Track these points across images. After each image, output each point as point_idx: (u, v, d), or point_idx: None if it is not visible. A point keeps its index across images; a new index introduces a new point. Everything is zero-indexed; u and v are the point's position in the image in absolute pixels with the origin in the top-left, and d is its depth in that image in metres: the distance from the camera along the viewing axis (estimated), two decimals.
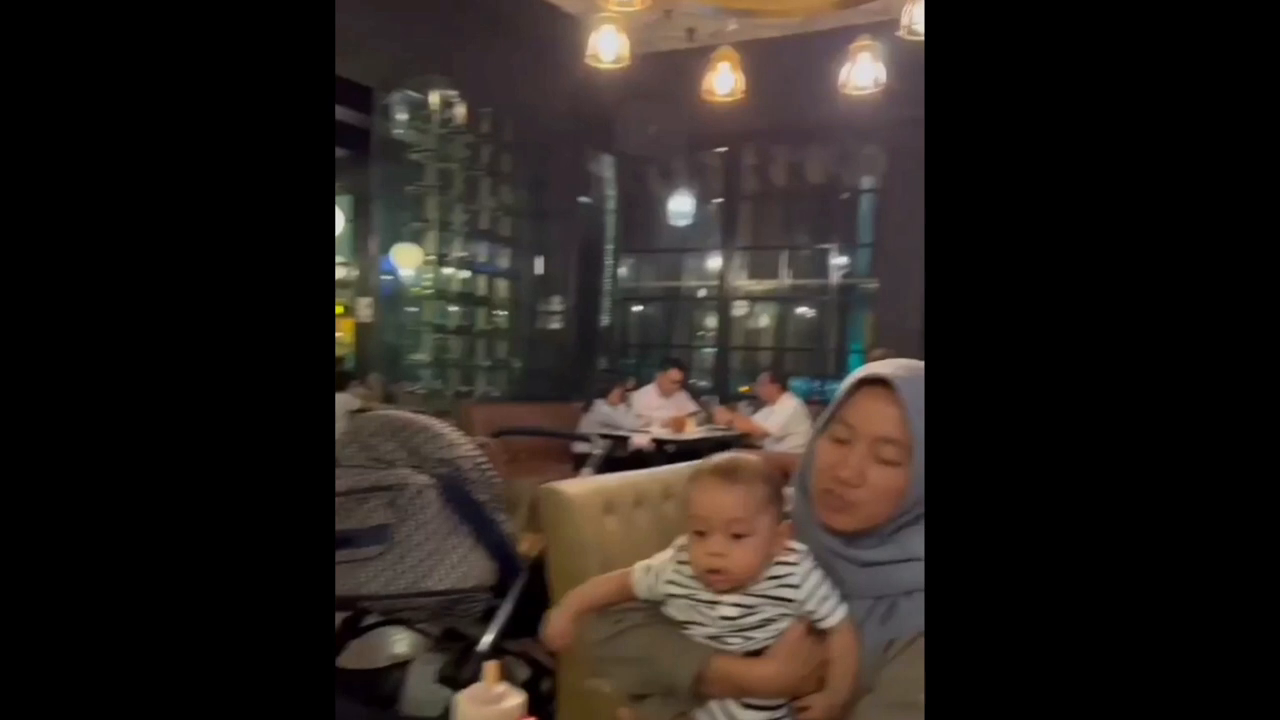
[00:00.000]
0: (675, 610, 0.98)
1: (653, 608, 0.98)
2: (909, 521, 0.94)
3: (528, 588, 1.91)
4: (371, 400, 5.46)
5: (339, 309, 6.27)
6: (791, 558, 0.94)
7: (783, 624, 0.93)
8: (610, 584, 1.03)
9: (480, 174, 5.37)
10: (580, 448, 4.61)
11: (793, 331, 6.84)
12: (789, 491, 1.09)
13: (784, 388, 4.87)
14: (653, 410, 4.94)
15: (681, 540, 0.97)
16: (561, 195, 5.78)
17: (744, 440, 4.72)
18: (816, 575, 0.93)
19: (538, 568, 1.83)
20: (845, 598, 0.94)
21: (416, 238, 5.00)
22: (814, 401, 5.61)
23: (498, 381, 5.55)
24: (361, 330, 6.28)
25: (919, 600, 0.91)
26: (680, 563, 0.96)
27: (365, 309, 6.23)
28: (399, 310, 5.04)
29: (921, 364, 0.90)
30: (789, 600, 0.93)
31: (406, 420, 1.82)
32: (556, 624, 0.98)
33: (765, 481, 0.93)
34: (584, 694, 1.64)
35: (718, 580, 0.91)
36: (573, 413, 4.93)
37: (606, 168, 6.18)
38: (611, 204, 6.29)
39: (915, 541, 0.92)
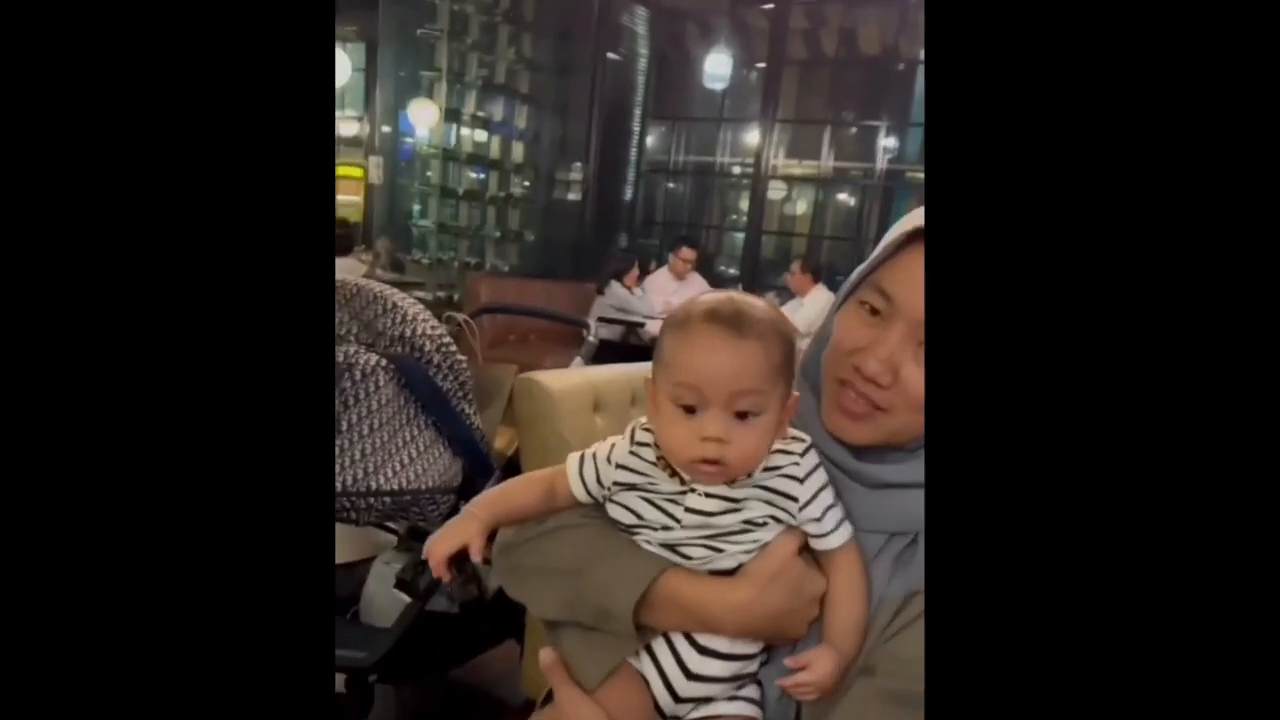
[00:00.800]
0: (622, 509, 0.69)
1: (593, 509, 0.71)
2: None
3: None
4: (376, 268, 5.19)
5: (353, 170, 5.91)
6: (794, 446, 0.68)
7: (768, 534, 0.67)
8: (533, 487, 0.72)
9: (498, 20, 4.83)
10: (599, 332, 4.32)
11: (831, 219, 6.39)
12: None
13: (817, 279, 4.48)
14: (666, 295, 4.60)
15: (642, 420, 0.69)
16: (588, 50, 5.21)
17: None
18: (822, 473, 0.67)
19: (514, 468, 1.56)
20: (854, 526, 0.69)
21: (427, 90, 4.55)
22: None
23: (508, 254, 5.19)
24: (371, 192, 5.94)
25: None
26: (639, 444, 0.68)
27: (374, 169, 5.86)
28: (418, 173, 4.66)
29: None
30: (786, 497, 0.66)
31: (358, 288, 1.50)
32: (447, 540, 0.68)
33: (781, 338, 0.65)
34: None
35: (710, 473, 0.64)
36: (587, 293, 4.59)
37: (639, 21, 5.56)
38: (642, 63, 5.68)
39: None
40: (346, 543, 2.08)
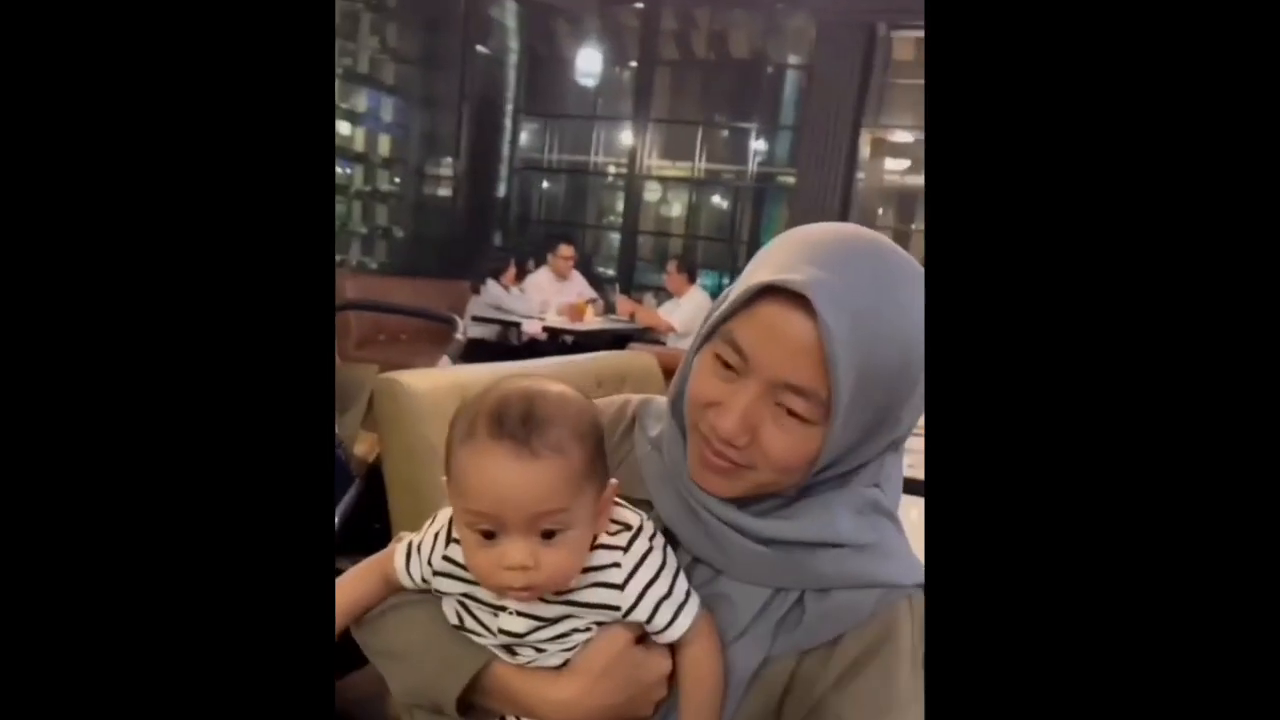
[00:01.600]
0: (447, 608, 0.64)
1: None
2: (827, 483, 0.64)
3: (364, 498, 1.54)
4: None
5: None
6: (617, 539, 0.61)
7: (592, 632, 0.63)
8: (367, 577, 0.67)
9: (359, 6, 4.60)
10: (474, 331, 4.19)
11: (705, 220, 6.51)
12: (660, 404, 0.72)
13: (692, 279, 4.53)
14: (547, 294, 4.53)
15: (448, 512, 0.64)
16: (455, 42, 5.06)
17: (647, 334, 4.41)
18: (652, 563, 0.61)
19: (377, 475, 1.46)
20: (734, 580, 0.64)
21: None
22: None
23: (376, 251, 4.95)
24: None
25: (839, 601, 0.62)
26: (453, 539, 0.62)
27: None
28: None
29: (876, 254, 0.60)
30: (605, 609, 0.61)
31: None
32: None
33: (583, 439, 0.58)
34: None
35: (524, 597, 0.59)
36: (461, 291, 4.45)
37: (509, 15, 5.46)
38: (513, 58, 5.58)
39: (835, 514, 0.63)
40: None
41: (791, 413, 0.58)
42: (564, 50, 5.74)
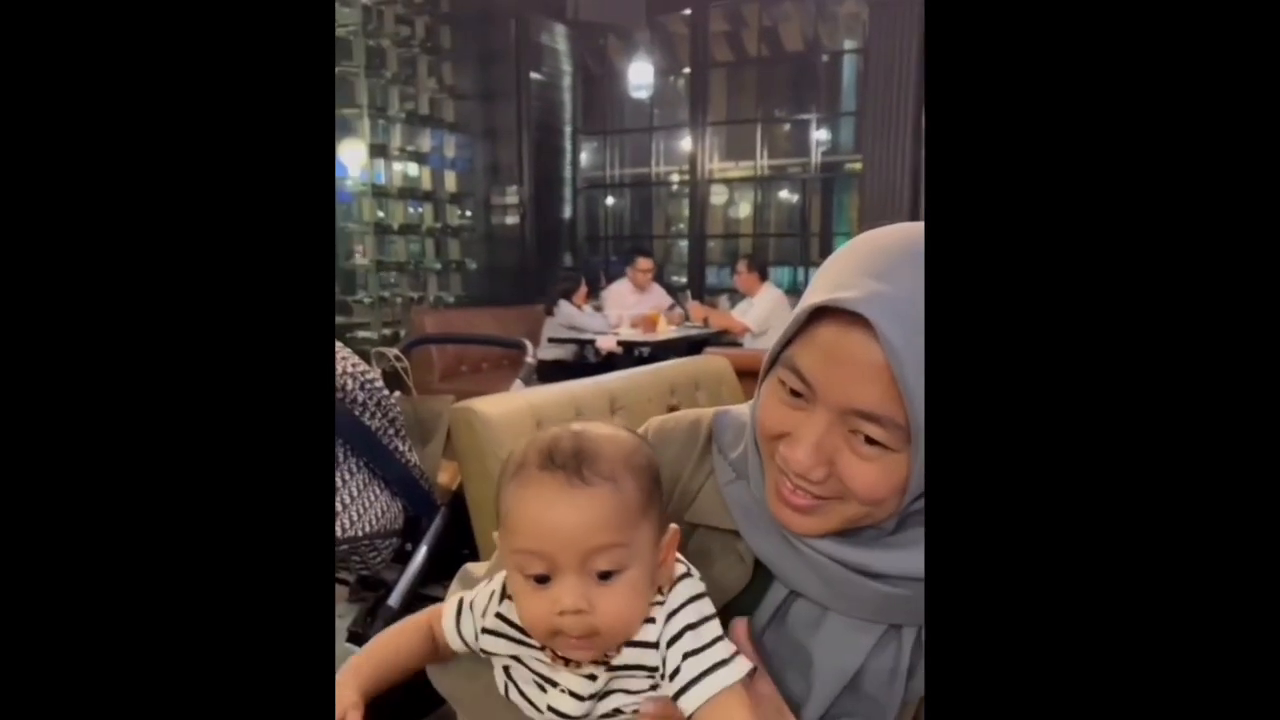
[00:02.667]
0: (496, 677, 0.61)
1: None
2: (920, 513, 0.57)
3: (450, 526, 1.56)
4: None
5: None
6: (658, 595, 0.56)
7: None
8: (410, 637, 0.65)
9: (416, 51, 4.75)
10: (550, 353, 4.24)
11: (774, 217, 6.42)
12: (738, 417, 0.66)
13: (764, 277, 4.46)
14: (627, 308, 4.54)
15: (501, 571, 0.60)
16: (510, 72, 5.16)
17: (723, 338, 4.36)
18: (689, 613, 0.55)
19: (461, 503, 1.48)
20: (843, 616, 0.58)
21: (349, 128, 4.45)
22: (798, 292, 5.26)
23: (451, 285, 5.09)
24: None
25: None
26: (507, 596, 0.59)
27: None
28: (355, 214, 4.56)
29: (918, 257, 0.52)
30: (642, 668, 0.56)
31: None
32: (339, 712, 0.58)
33: (638, 473, 0.54)
34: None
35: (578, 649, 0.54)
36: (536, 316, 4.52)
37: (559, 38, 5.53)
38: (567, 80, 5.65)
39: None
40: None
41: (870, 440, 0.52)
42: (616, 66, 5.79)
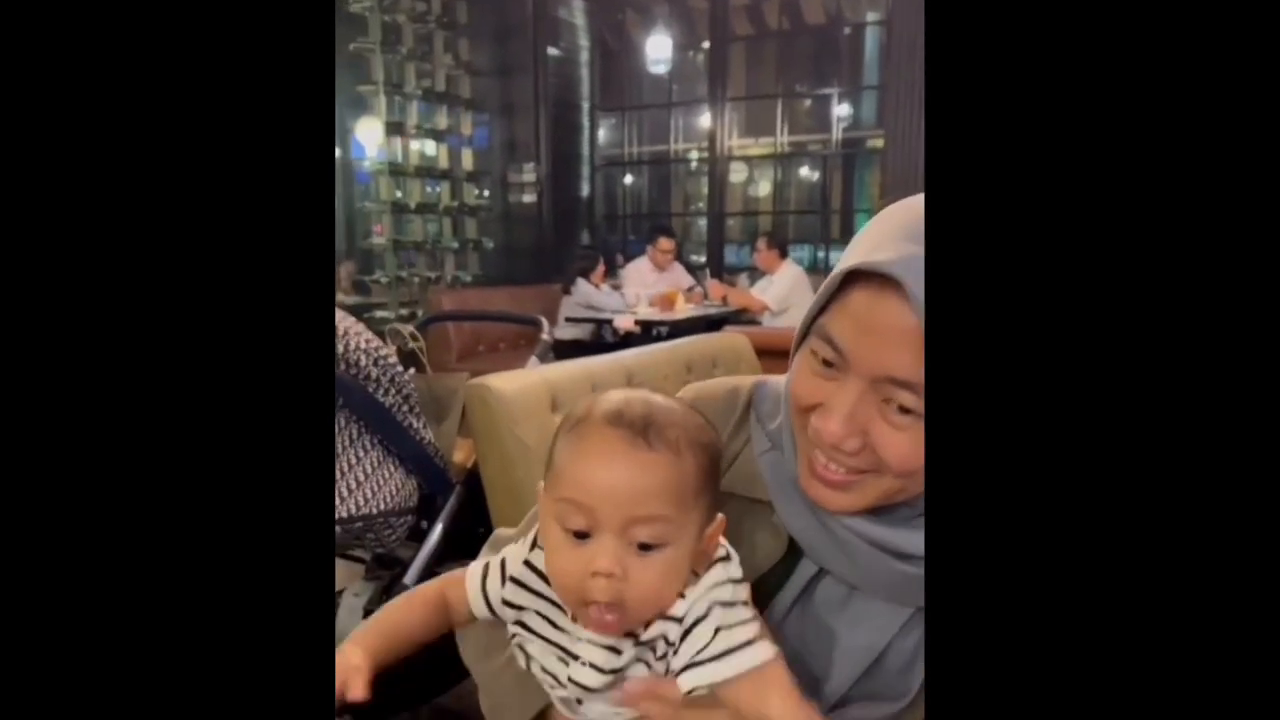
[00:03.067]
0: (519, 653, 0.59)
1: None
2: None
3: (466, 503, 1.55)
4: (338, 292, 5.07)
5: None
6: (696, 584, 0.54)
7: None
8: (419, 607, 0.63)
9: (433, 27, 4.71)
10: (568, 332, 4.22)
11: (794, 194, 6.34)
12: (777, 386, 0.64)
13: (783, 255, 4.40)
14: (646, 287, 4.50)
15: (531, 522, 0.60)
16: (527, 48, 5.11)
17: (743, 316, 4.32)
18: (724, 591, 0.54)
19: (477, 480, 1.47)
20: (871, 598, 0.57)
21: (365, 105, 4.42)
22: (819, 270, 5.20)
23: (469, 264, 5.07)
24: None
25: None
26: (538, 545, 0.57)
27: None
28: (373, 193, 4.55)
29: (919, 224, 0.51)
30: (663, 640, 0.54)
31: None
32: (340, 676, 0.56)
33: (700, 451, 0.53)
34: None
35: (603, 622, 0.52)
36: (554, 295, 4.49)
37: (576, 13, 5.45)
38: (585, 55, 5.58)
39: None
40: None
41: (904, 409, 0.51)
42: (634, 40, 5.71)
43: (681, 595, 0.53)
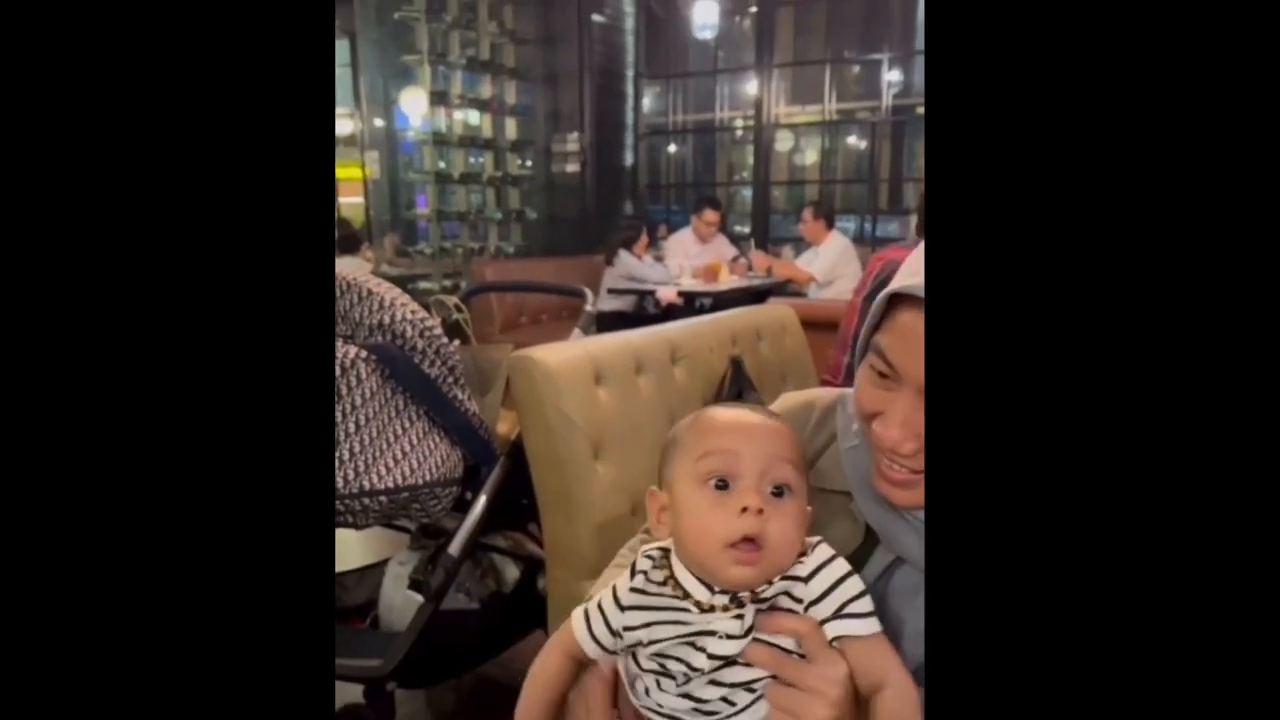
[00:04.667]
0: (646, 660, 0.60)
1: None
2: None
3: (510, 475, 1.55)
4: (382, 263, 5.12)
5: (351, 170, 5.84)
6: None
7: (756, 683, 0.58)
8: (554, 659, 0.65)
9: None
10: (610, 304, 4.20)
11: (841, 163, 6.19)
12: (832, 394, 0.72)
13: (830, 225, 4.31)
14: (690, 258, 4.45)
15: (643, 548, 0.63)
16: (572, 15, 5.04)
17: (788, 288, 4.25)
18: (843, 564, 0.59)
19: (520, 452, 1.47)
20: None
21: (409, 74, 4.42)
22: (866, 241, 5.08)
23: (512, 235, 5.07)
24: (373, 188, 5.87)
25: None
26: (641, 572, 0.61)
27: (371, 163, 5.77)
28: (417, 163, 4.56)
29: None
30: (789, 596, 0.58)
31: (336, 278, 1.40)
32: None
33: (798, 435, 0.63)
34: (578, 596, 1.32)
35: (748, 559, 0.56)
36: (597, 266, 4.47)
37: None
38: (630, 22, 5.49)
39: None
40: (362, 546, 2.01)
41: None
42: (680, 6, 5.59)
43: (800, 560, 0.58)
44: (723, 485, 0.57)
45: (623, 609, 0.60)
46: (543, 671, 0.65)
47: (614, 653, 0.62)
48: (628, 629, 0.60)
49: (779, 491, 0.57)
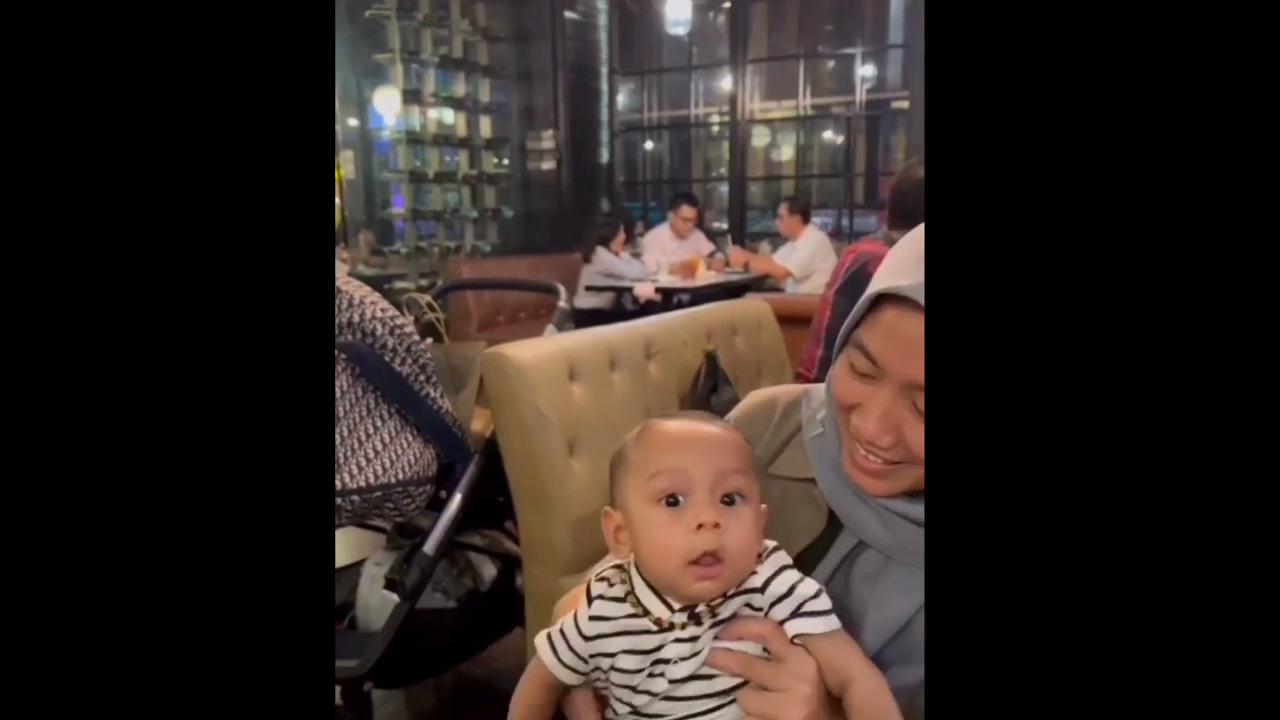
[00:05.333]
0: (602, 669, 0.61)
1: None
2: None
3: (485, 473, 1.54)
4: (357, 263, 5.07)
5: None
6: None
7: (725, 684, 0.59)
8: (533, 690, 0.65)
9: None
10: (588, 301, 4.20)
11: (817, 158, 6.22)
12: (819, 388, 0.72)
13: (806, 220, 4.33)
14: (667, 255, 4.46)
15: (604, 568, 0.64)
16: (544, 12, 5.02)
17: (765, 283, 4.26)
18: (792, 574, 0.60)
19: (494, 450, 1.46)
20: (906, 567, 0.63)
21: (382, 73, 4.38)
22: (842, 236, 5.11)
23: (488, 233, 5.05)
24: (348, 188, 5.82)
25: None
26: (599, 598, 0.61)
27: (346, 163, 5.72)
28: (392, 162, 4.52)
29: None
30: (749, 606, 0.59)
31: None
32: None
33: (745, 439, 0.63)
34: (555, 593, 1.31)
35: (710, 575, 0.57)
36: (574, 264, 4.46)
37: None
38: (603, 18, 5.48)
39: None
40: (338, 546, 2.00)
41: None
42: (653, 2, 5.59)
43: (754, 571, 0.58)
44: (674, 502, 0.57)
45: (586, 639, 0.60)
46: (524, 700, 0.65)
47: (587, 675, 0.62)
48: (593, 655, 0.61)
49: (730, 500, 0.58)
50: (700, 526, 0.55)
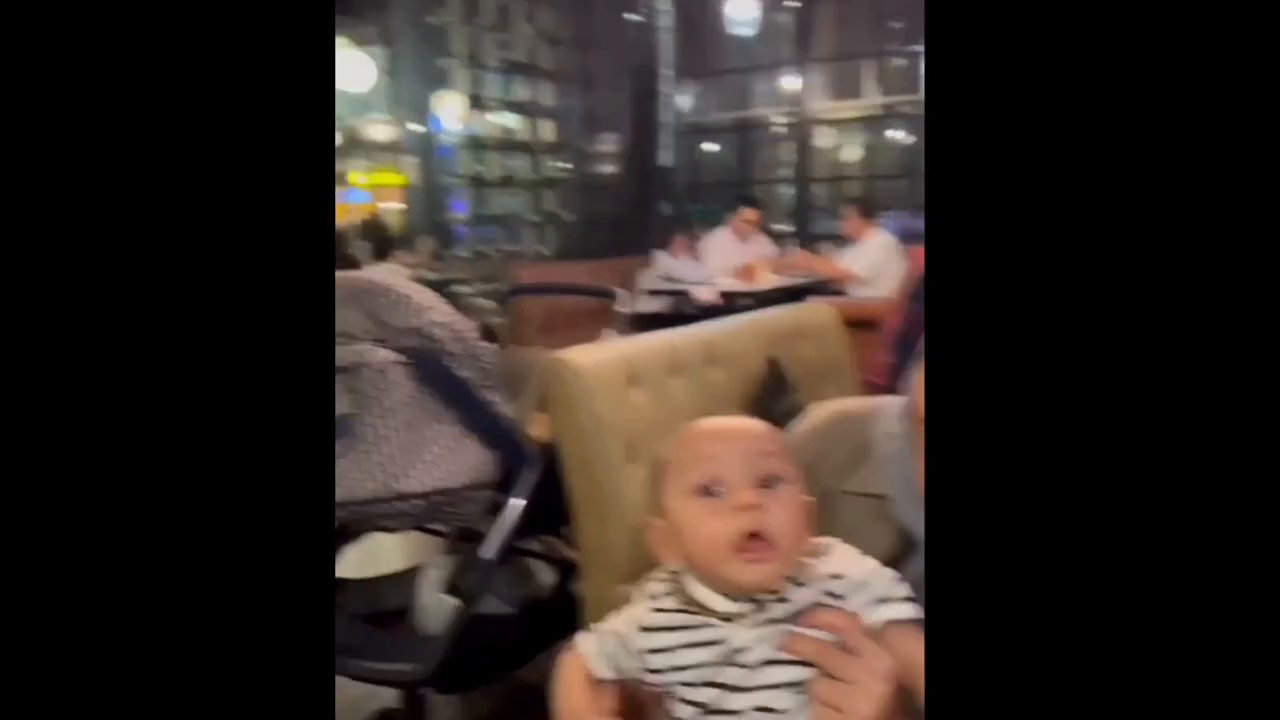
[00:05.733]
0: (660, 669, 0.59)
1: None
2: None
3: (544, 478, 1.53)
4: (419, 267, 5.17)
5: (391, 176, 5.91)
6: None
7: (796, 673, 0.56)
8: (574, 687, 0.62)
9: None
10: (648, 305, 4.18)
11: (884, 159, 6.06)
12: (886, 407, 0.72)
13: (873, 222, 4.22)
14: (729, 258, 4.40)
15: (652, 576, 0.63)
16: (606, 16, 5.03)
17: (829, 287, 4.17)
18: (868, 560, 0.60)
19: (554, 455, 1.45)
20: None
21: (444, 78, 4.46)
22: (910, 239, 4.96)
23: (547, 238, 5.08)
24: (410, 193, 5.94)
25: None
26: (657, 596, 0.61)
27: (408, 168, 5.84)
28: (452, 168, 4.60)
29: None
30: (829, 594, 0.58)
31: (367, 283, 1.42)
32: None
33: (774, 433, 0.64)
34: (613, 600, 1.29)
35: (758, 557, 0.56)
36: (634, 268, 4.45)
37: None
38: (666, 20, 5.45)
39: None
40: (398, 550, 2.02)
41: None
42: (717, 2, 5.54)
43: (825, 558, 0.58)
44: (712, 493, 0.57)
45: (644, 630, 0.59)
46: (568, 698, 0.62)
47: (626, 678, 0.60)
48: (653, 651, 0.58)
49: (769, 483, 0.58)
50: (739, 509, 0.56)
